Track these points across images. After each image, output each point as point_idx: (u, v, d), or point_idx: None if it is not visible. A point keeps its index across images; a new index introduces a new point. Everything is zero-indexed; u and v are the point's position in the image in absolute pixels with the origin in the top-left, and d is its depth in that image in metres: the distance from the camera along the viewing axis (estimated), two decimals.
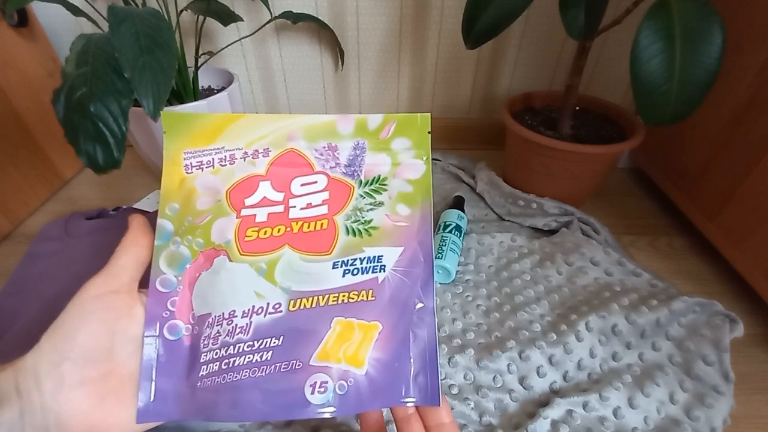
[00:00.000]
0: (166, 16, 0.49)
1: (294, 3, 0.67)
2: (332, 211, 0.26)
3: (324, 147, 0.27)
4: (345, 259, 0.25)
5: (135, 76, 0.38)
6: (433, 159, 0.73)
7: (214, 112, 0.38)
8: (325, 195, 0.26)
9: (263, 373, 0.22)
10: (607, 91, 0.74)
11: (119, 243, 0.24)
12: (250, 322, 0.23)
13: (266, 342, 0.23)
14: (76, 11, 0.51)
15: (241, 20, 0.63)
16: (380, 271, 0.25)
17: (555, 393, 0.39)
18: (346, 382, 0.22)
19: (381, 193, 0.27)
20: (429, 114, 0.27)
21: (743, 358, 0.43)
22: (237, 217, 0.25)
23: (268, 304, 0.24)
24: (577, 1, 0.52)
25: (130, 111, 0.39)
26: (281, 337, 0.23)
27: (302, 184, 0.26)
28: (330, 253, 0.25)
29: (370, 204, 0.26)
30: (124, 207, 0.60)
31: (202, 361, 0.23)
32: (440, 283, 0.51)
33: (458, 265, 0.52)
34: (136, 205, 0.60)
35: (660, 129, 0.63)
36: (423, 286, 0.25)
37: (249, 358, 0.22)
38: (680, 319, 0.43)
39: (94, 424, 0.21)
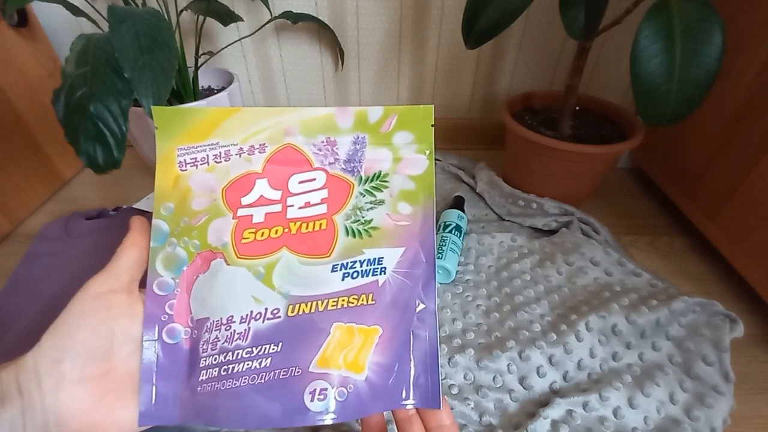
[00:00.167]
0: (166, 16, 0.49)
1: (294, 3, 0.67)
2: (331, 211, 0.25)
3: (322, 142, 0.26)
4: (344, 262, 0.24)
5: (135, 76, 0.38)
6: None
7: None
8: (324, 193, 0.25)
9: (262, 380, 0.22)
10: (607, 91, 0.74)
11: (120, 244, 0.24)
12: (249, 328, 0.23)
13: (265, 348, 0.22)
14: (76, 11, 0.51)
15: (241, 20, 0.63)
16: (381, 274, 0.24)
17: (555, 393, 0.39)
18: (346, 388, 0.22)
19: (382, 191, 0.26)
20: (432, 106, 0.26)
21: (743, 358, 0.43)
22: (233, 218, 0.25)
23: (266, 309, 0.23)
24: (577, 1, 0.52)
25: (130, 111, 0.39)
26: (280, 344, 0.22)
27: (300, 182, 0.26)
28: (329, 256, 0.24)
29: (371, 203, 0.25)
30: (124, 207, 0.60)
31: (201, 366, 0.23)
32: (440, 283, 0.51)
33: (458, 265, 0.52)
34: (136, 205, 0.60)
35: (660, 129, 0.63)
36: (424, 287, 0.25)
37: (248, 364, 0.22)
38: (680, 319, 0.43)
39: (94, 423, 0.21)
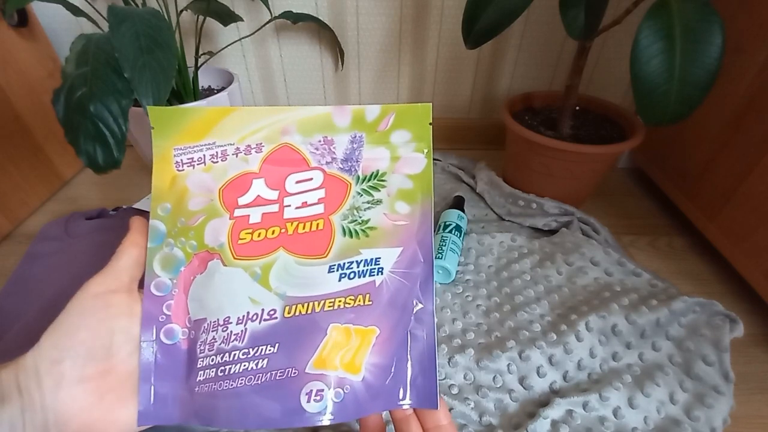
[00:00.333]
0: (166, 16, 0.49)
1: (294, 3, 0.67)
2: (328, 211, 0.25)
3: (320, 141, 0.25)
4: (341, 263, 0.24)
5: (135, 76, 0.38)
6: (433, 159, 0.73)
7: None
8: (321, 193, 0.25)
9: (259, 381, 0.22)
10: (607, 91, 0.74)
11: (120, 244, 0.24)
12: (245, 329, 0.23)
13: (261, 349, 0.22)
14: (76, 11, 0.51)
15: (241, 20, 0.63)
16: (378, 274, 0.24)
17: (555, 393, 0.39)
18: (343, 389, 0.22)
19: (379, 190, 0.25)
20: (430, 104, 0.25)
21: (743, 358, 0.43)
22: (230, 218, 0.25)
23: (263, 310, 0.23)
24: (577, 1, 0.52)
25: (130, 111, 0.39)
26: (276, 345, 0.22)
27: (297, 182, 0.25)
28: (326, 256, 0.24)
29: (368, 202, 0.25)
30: (124, 207, 0.60)
31: (199, 366, 0.23)
32: (440, 283, 0.50)
33: (458, 265, 0.52)
34: (136, 205, 0.60)
35: (660, 129, 0.63)
36: (422, 287, 0.25)
37: (244, 365, 0.22)
38: (680, 319, 0.43)
39: (94, 422, 0.21)
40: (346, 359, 0.22)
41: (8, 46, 0.59)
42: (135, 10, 0.40)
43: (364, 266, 0.24)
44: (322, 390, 0.22)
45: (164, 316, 0.24)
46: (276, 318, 0.23)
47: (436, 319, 0.45)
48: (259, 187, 0.25)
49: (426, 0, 0.66)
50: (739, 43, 0.49)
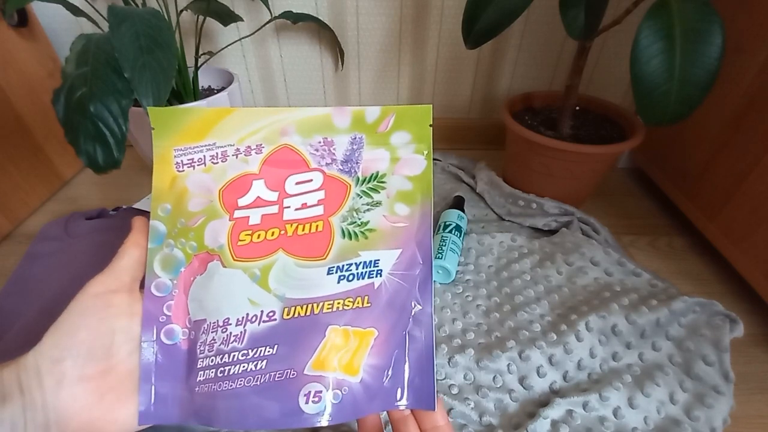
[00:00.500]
0: (166, 16, 0.49)
1: (294, 3, 0.67)
2: (328, 212, 0.25)
3: (319, 142, 0.25)
4: (340, 265, 0.24)
5: (135, 76, 0.38)
6: (433, 159, 0.73)
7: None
8: (321, 194, 0.25)
9: (257, 382, 0.22)
10: (607, 91, 0.74)
11: (122, 244, 0.24)
12: (245, 330, 0.23)
13: (260, 351, 0.22)
14: (76, 11, 0.51)
15: (241, 20, 0.63)
16: (376, 276, 0.24)
17: (555, 393, 0.39)
18: (341, 390, 0.22)
19: (379, 192, 0.25)
20: (430, 105, 0.25)
21: (743, 358, 0.43)
22: (230, 220, 0.25)
23: (262, 312, 0.23)
24: (577, 1, 0.52)
25: (130, 111, 0.39)
26: (275, 346, 0.22)
27: (297, 183, 0.25)
28: (325, 258, 0.24)
29: (367, 204, 0.25)
30: (124, 207, 0.60)
31: (198, 366, 0.23)
32: (440, 283, 0.51)
33: (458, 265, 0.52)
34: (136, 205, 0.61)
35: (660, 129, 0.63)
36: (421, 289, 0.25)
37: (243, 366, 0.22)
38: (680, 319, 0.43)
39: (94, 421, 0.21)
40: (344, 361, 0.22)
41: (8, 46, 0.59)
42: (135, 10, 0.40)
43: (363, 268, 0.24)
44: (321, 391, 0.22)
45: (164, 317, 0.24)
46: (275, 319, 0.23)
47: (435, 320, 0.45)
48: (259, 189, 0.25)
49: (426, 0, 0.66)
50: (739, 43, 0.49)
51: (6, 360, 0.21)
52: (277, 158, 0.25)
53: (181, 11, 0.56)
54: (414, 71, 0.75)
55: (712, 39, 0.38)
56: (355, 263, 0.24)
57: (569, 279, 0.49)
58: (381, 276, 0.24)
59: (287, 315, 0.23)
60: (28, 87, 0.62)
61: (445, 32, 0.70)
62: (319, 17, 0.67)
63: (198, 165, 0.25)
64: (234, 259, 0.24)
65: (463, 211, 0.57)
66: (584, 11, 0.49)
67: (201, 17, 0.59)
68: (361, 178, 0.26)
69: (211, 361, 0.23)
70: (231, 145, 0.25)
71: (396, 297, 0.24)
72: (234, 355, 0.22)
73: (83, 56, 0.39)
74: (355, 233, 0.25)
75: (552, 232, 0.58)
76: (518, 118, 0.62)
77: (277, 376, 0.22)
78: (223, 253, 0.24)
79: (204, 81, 0.68)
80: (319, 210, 0.25)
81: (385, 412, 0.24)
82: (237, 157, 0.25)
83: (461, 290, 0.49)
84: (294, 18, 0.62)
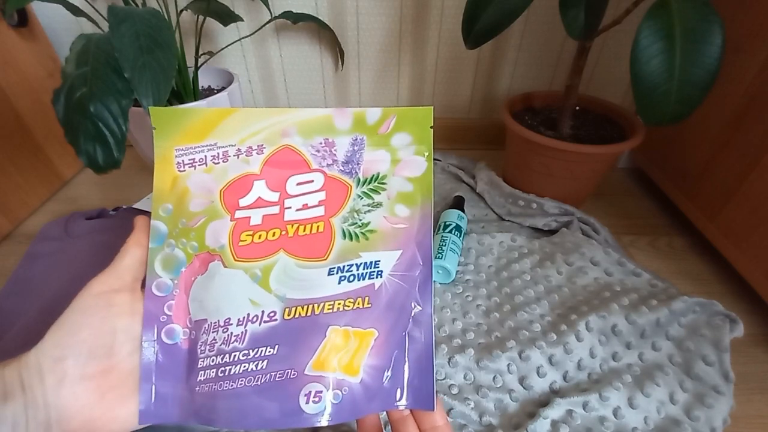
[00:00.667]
0: (166, 16, 0.49)
1: (294, 3, 0.67)
2: (329, 213, 0.25)
3: (320, 143, 0.25)
4: (341, 265, 0.24)
5: (135, 76, 0.38)
6: (433, 159, 0.73)
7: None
8: (322, 195, 0.25)
9: (258, 382, 0.22)
10: (607, 91, 0.74)
11: (124, 243, 0.25)
12: (246, 331, 0.23)
13: (261, 351, 0.22)
14: (76, 11, 0.51)
15: (241, 20, 0.63)
16: (377, 277, 0.24)
17: (555, 393, 0.39)
18: (341, 391, 0.22)
19: (379, 193, 0.26)
20: (431, 107, 0.25)
21: (743, 358, 0.43)
22: (231, 220, 0.25)
23: (263, 312, 0.23)
24: (577, 1, 0.52)
25: (130, 111, 0.39)
26: (276, 346, 0.22)
27: (298, 183, 0.25)
28: (326, 259, 0.24)
29: (368, 205, 0.25)
30: (124, 207, 0.60)
31: (199, 366, 0.23)
32: (440, 283, 0.51)
33: (458, 265, 0.52)
34: (136, 205, 0.61)
35: (660, 129, 0.63)
36: (421, 289, 0.25)
37: (244, 366, 0.22)
38: (680, 319, 0.43)
39: (95, 419, 0.21)
40: (344, 361, 0.22)
41: (8, 46, 0.59)
42: (135, 10, 0.40)
43: (364, 269, 0.24)
44: (321, 391, 0.22)
45: (165, 317, 0.24)
46: (276, 320, 0.23)
47: (435, 320, 0.45)
48: (260, 189, 0.25)
49: (426, 0, 0.66)
50: (739, 43, 0.49)
51: (6, 359, 0.21)
52: (278, 159, 0.25)
53: (181, 11, 0.56)
54: (414, 71, 0.75)
55: (712, 39, 0.38)
56: (356, 264, 0.24)
57: (569, 279, 0.49)
58: (381, 277, 0.24)
59: (288, 315, 0.23)
60: (28, 87, 0.62)
61: (445, 32, 0.70)
62: (319, 17, 0.67)
63: (199, 165, 0.25)
64: (235, 260, 0.24)
65: (463, 211, 0.57)
66: (584, 11, 0.49)
67: (201, 17, 0.59)
68: (361, 179, 0.26)
69: (212, 361, 0.23)
70: (232, 146, 0.25)
71: (396, 298, 0.24)
72: (235, 355, 0.22)
73: (83, 56, 0.39)
74: (356, 234, 0.25)
75: (552, 232, 0.58)
76: (518, 118, 0.62)
77: (278, 376, 0.22)
78: (224, 254, 0.24)
79: (204, 81, 0.68)
80: (320, 211, 0.25)
81: (384, 413, 0.24)
82: (238, 158, 0.25)
83: (461, 290, 0.49)
84: (294, 18, 0.62)
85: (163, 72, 0.39)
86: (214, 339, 0.23)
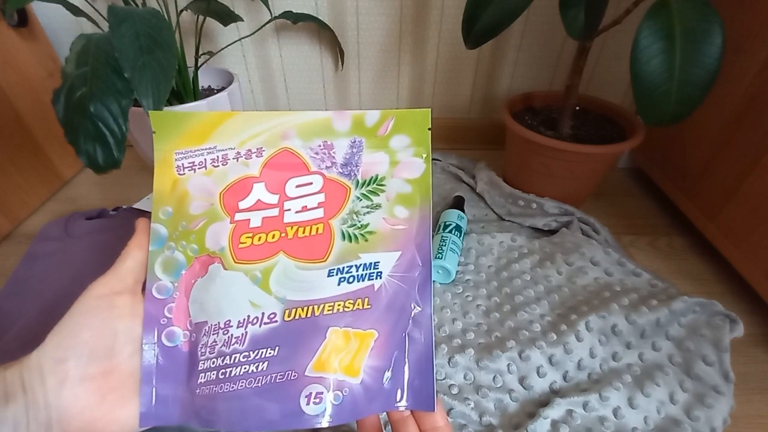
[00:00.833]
0: (166, 16, 0.49)
1: (294, 3, 0.67)
2: (328, 215, 0.25)
3: (319, 146, 0.26)
4: (340, 267, 0.24)
5: (135, 76, 0.38)
6: (433, 159, 0.73)
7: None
8: (321, 197, 0.25)
9: (259, 384, 0.22)
10: (607, 91, 0.74)
11: (125, 246, 0.25)
12: (246, 333, 0.23)
13: (262, 353, 0.22)
14: (76, 11, 0.51)
15: (241, 20, 0.63)
16: (376, 278, 0.24)
17: (555, 393, 0.39)
18: (342, 392, 0.22)
19: (378, 195, 0.26)
20: (429, 109, 0.26)
21: (743, 358, 0.43)
22: (231, 222, 0.25)
23: (263, 314, 0.23)
24: (577, 1, 0.52)
25: (130, 111, 0.39)
26: (276, 348, 0.23)
27: (297, 186, 0.26)
28: (325, 260, 0.24)
29: (367, 207, 0.26)
30: (124, 207, 0.60)
31: (200, 368, 0.23)
32: (440, 283, 0.51)
33: (458, 265, 0.52)
34: (136, 205, 0.61)
35: (660, 129, 0.63)
36: (420, 290, 0.25)
37: (245, 368, 0.22)
38: (680, 319, 0.43)
39: (95, 421, 0.21)
40: (344, 362, 0.23)
41: (8, 46, 0.59)
42: (135, 10, 0.40)
43: (363, 270, 0.24)
44: (321, 393, 0.22)
45: (165, 319, 0.24)
46: (276, 321, 0.23)
47: (435, 321, 0.45)
48: (260, 192, 0.25)
49: (426, 0, 0.66)
50: (739, 43, 0.49)
51: (6, 359, 0.21)
52: (277, 161, 0.26)
53: (181, 11, 0.56)
54: (414, 71, 0.75)
55: (712, 39, 0.38)
56: (356, 265, 0.24)
57: (569, 279, 0.49)
58: (381, 278, 0.24)
59: (288, 317, 0.23)
60: (28, 87, 0.62)
61: (445, 32, 0.70)
62: (319, 17, 0.67)
63: (199, 168, 0.25)
64: (235, 262, 0.24)
65: (463, 211, 0.57)
66: (584, 11, 0.49)
67: (201, 17, 0.58)
68: (360, 181, 0.26)
69: (213, 363, 0.23)
70: (232, 149, 0.25)
71: (396, 299, 0.24)
72: (235, 357, 0.22)
73: (83, 56, 0.39)
74: (355, 236, 0.25)
75: (552, 232, 0.58)
76: (518, 118, 0.62)
77: (279, 377, 0.22)
78: (224, 256, 0.24)
79: (204, 81, 0.68)
80: (319, 212, 0.25)
81: (384, 413, 0.24)
82: (238, 161, 0.25)
83: (461, 290, 0.49)
84: (294, 18, 0.62)
85: (163, 72, 0.39)
86: (215, 341, 0.23)
